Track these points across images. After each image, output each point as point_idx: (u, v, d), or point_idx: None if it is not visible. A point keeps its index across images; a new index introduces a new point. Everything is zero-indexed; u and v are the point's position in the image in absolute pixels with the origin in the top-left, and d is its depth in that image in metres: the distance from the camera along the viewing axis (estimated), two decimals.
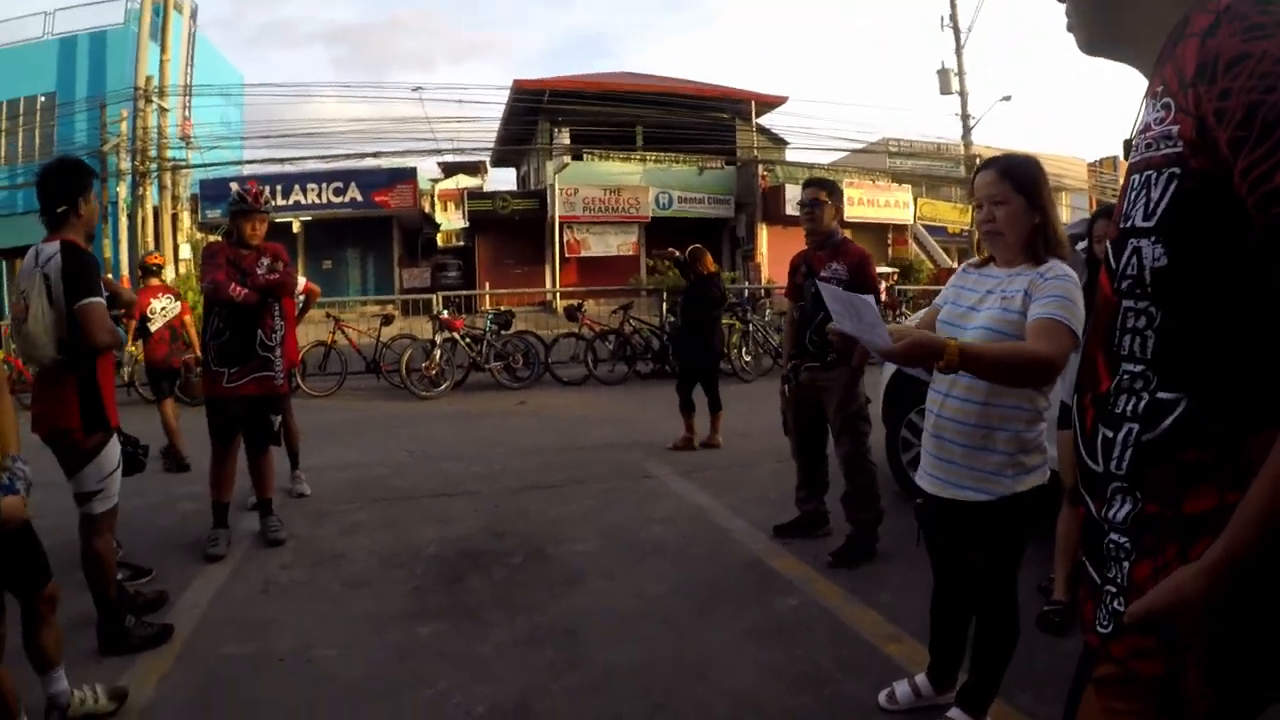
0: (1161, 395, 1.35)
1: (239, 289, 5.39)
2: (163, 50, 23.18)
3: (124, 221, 23.79)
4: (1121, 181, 1.52)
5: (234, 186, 5.49)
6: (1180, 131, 1.32)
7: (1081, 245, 4.60)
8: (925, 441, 3.15)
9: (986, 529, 2.97)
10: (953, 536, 3.16)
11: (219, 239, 5.73)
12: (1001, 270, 2.96)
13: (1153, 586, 1.33)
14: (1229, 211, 1.25)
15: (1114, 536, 1.42)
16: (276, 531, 5.84)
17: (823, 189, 5.44)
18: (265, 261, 5.66)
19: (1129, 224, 1.40)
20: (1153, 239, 1.35)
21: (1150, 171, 1.37)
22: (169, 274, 21.20)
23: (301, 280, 7.49)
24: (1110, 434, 1.43)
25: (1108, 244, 1.48)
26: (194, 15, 29.30)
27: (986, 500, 2.91)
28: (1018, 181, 2.87)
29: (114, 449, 4.08)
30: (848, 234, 5.62)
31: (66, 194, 3.99)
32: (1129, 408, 1.40)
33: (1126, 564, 1.39)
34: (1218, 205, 1.26)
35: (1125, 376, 1.41)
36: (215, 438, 5.64)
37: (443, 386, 13.02)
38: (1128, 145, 1.49)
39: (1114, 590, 1.41)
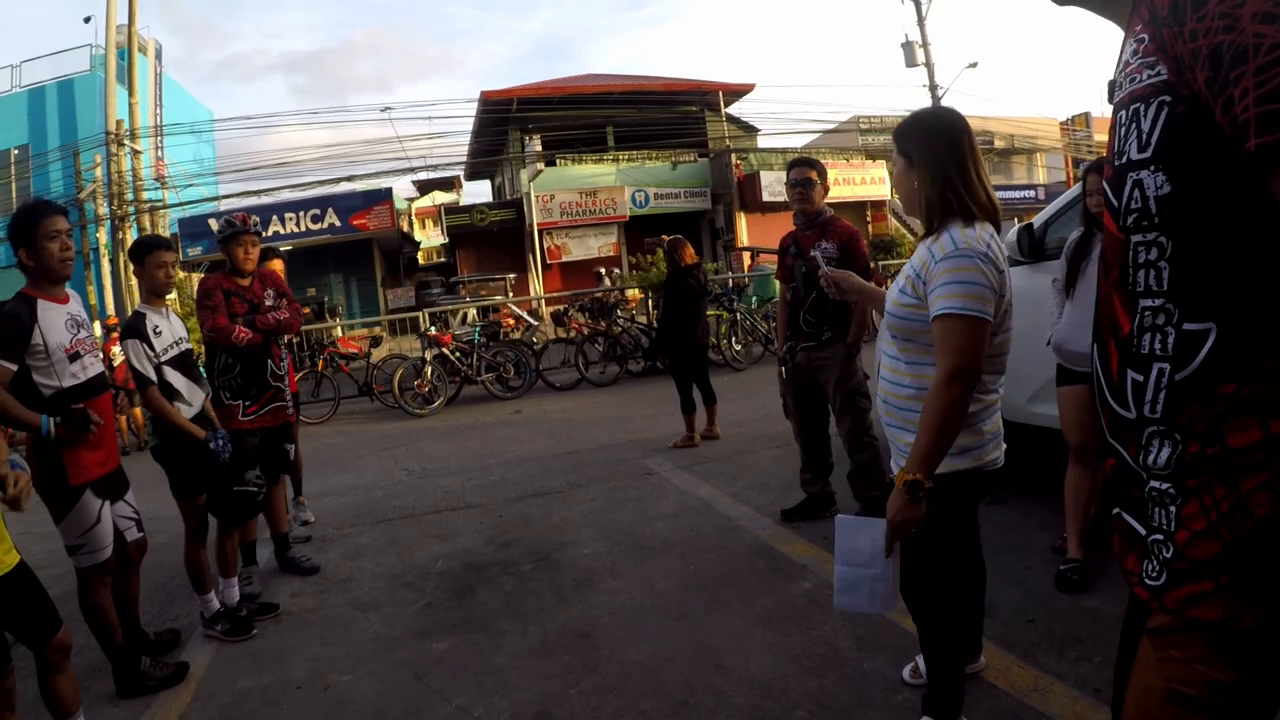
0: (1188, 327, 1.31)
1: (243, 333, 5.25)
2: (131, 93, 23.08)
3: (106, 266, 23.73)
4: (1109, 120, 1.49)
5: (213, 223, 5.37)
6: (1162, 62, 1.31)
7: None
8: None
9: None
10: None
11: (212, 274, 5.59)
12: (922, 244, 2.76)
13: (1203, 525, 1.30)
14: (1223, 131, 1.22)
15: (1155, 483, 1.38)
16: (308, 560, 5.83)
17: (812, 168, 5.42)
18: (271, 293, 5.55)
19: (1124, 159, 1.38)
20: (1152, 168, 1.33)
21: (1138, 104, 1.35)
22: None
23: None
24: (1140, 377, 1.39)
25: (1104, 183, 1.45)
26: (159, 55, 29.36)
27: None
28: (900, 142, 2.75)
29: (88, 506, 3.95)
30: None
31: (13, 247, 3.94)
32: (1156, 346, 1.36)
33: (1173, 508, 1.35)
34: (1212, 126, 1.24)
35: (1146, 313, 1.37)
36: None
37: (436, 403, 12.97)
38: (1112, 86, 1.47)
39: (1161, 538, 1.37)
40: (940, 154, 2.64)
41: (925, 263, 2.60)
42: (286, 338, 6.55)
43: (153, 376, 4.48)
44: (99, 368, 4.12)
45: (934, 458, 2.47)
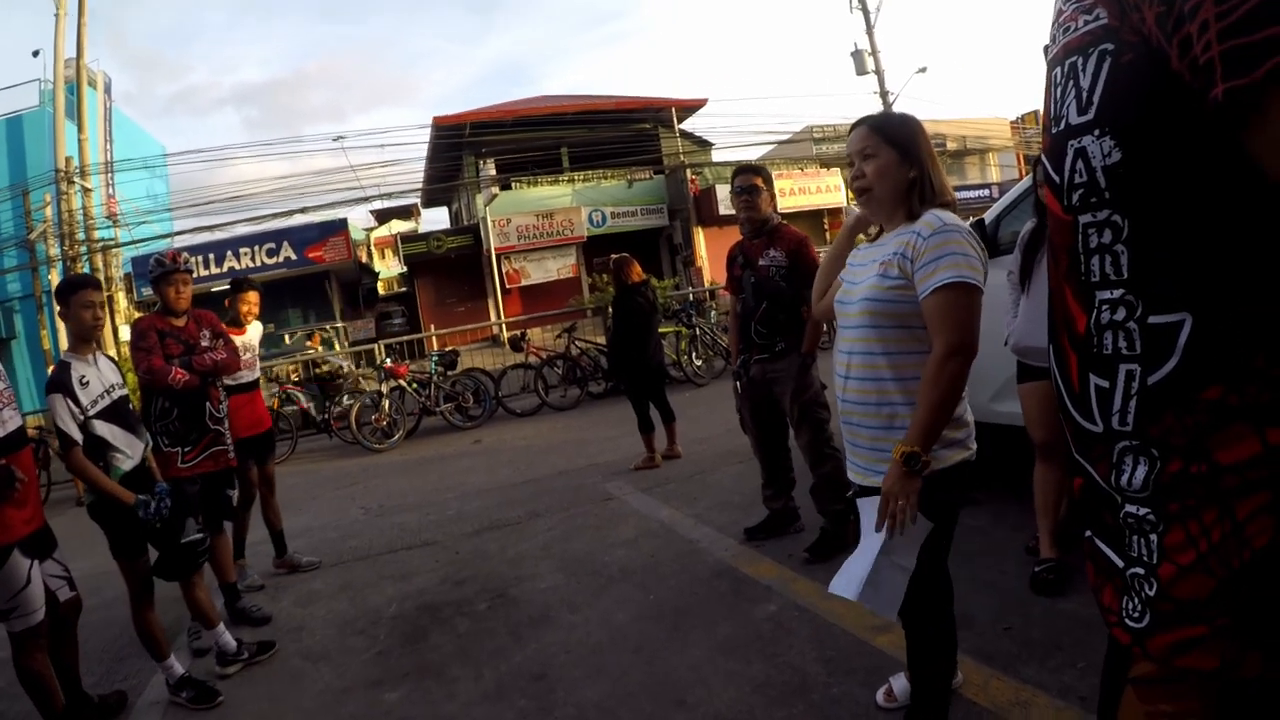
0: (1155, 320, 1.09)
1: (179, 374, 5.02)
2: (80, 129, 22.66)
3: (59, 308, 23.18)
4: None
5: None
6: (1100, 4, 1.09)
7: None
8: (840, 428, 2.92)
9: None
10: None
11: (146, 315, 5.46)
12: (888, 235, 2.73)
13: (1191, 558, 1.08)
14: (1182, 81, 0.99)
15: (1131, 508, 1.16)
16: (259, 609, 5.62)
17: (757, 174, 5.28)
18: (207, 333, 5.35)
19: (1062, 125, 1.16)
20: (1096, 133, 1.10)
21: (1074, 57, 1.14)
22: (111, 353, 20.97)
23: None
24: (1104, 383, 1.17)
25: (1042, 157, 1.23)
26: (108, 89, 28.95)
27: None
28: (889, 134, 2.66)
29: (16, 567, 3.75)
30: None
31: None
32: (1120, 345, 1.14)
33: (1154, 536, 1.13)
34: (1167, 76, 1.01)
35: (1104, 308, 1.15)
36: None
37: (395, 437, 12.75)
38: (1047, 51, 1.26)
39: (1142, 572, 1.15)
40: (930, 148, 2.70)
41: (909, 242, 2.57)
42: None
43: (77, 436, 4.23)
44: (19, 421, 3.94)
45: (933, 434, 2.47)
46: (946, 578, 2.85)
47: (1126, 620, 1.19)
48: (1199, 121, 1.01)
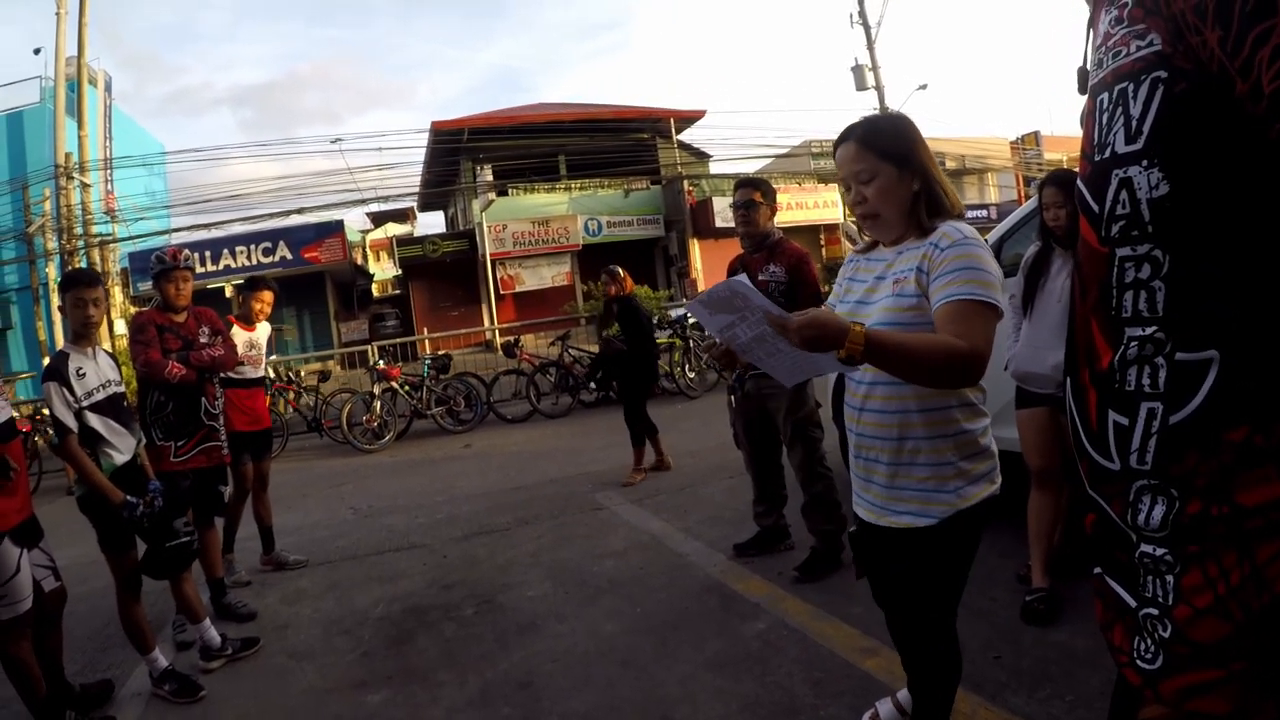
0: (1183, 357, 1.06)
1: (176, 369, 5.05)
2: (80, 126, 22.64)
3: (56, 301, 23.02)
4: (1085, 107, 1.22)
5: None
6: (1154, 29, 1.05)
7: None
8: (851, 463, 2.65)
9: (928, 557, 2.47)
10: (893, 566, 2.58)
11: (146, 309, 5.51)
12: (889, 250, 2.50)
13: (1208, 601, 1.05)
14: (1240, 113, 0.96)
15: (1147, 547, 1.13)
16: (245, 605, 5.62)
17: (756, 189, 5.24)
18: (206, 329, 5.38)
19: (1107, 153, 1.12)
20: (1144, 164, 1.06)
21: (1125, 83, 1.09)
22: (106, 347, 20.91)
23: None
24: (1124, 420, 1.14)
25: (1080, 185, 1.18)
26: (109, 88, 28.97)
27: (927, 525, 2.41)
28: (883, 148, 2.40)
29: (7, 555, 3.75)
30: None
31: None
32: (1145, 381, 1.10)
33: (1170, 577, 1.10)
34: (1222, 107, 0.98)
35: (1132, 344, 1.11)
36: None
37: (386, 438, 12.74)
38: (1083, 74, 1.22)
39: (1156, 613, 1.12)
40: (930, 154, 2.44)
41: (925, 254, 2.32)
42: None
43: (72, 425, 4.23)
44: (8, 413, 3.98)
45: (891, 362, 2.10)
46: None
47: (1138, 661, 1.17)
48: (1255, 153, 0.98)
